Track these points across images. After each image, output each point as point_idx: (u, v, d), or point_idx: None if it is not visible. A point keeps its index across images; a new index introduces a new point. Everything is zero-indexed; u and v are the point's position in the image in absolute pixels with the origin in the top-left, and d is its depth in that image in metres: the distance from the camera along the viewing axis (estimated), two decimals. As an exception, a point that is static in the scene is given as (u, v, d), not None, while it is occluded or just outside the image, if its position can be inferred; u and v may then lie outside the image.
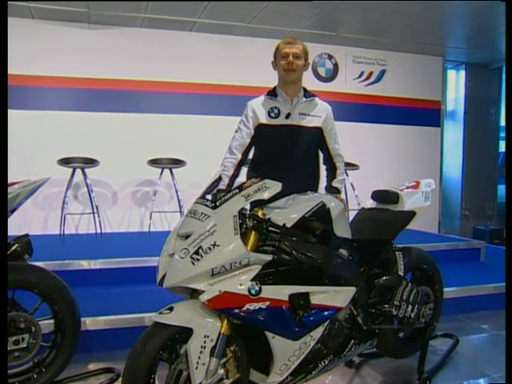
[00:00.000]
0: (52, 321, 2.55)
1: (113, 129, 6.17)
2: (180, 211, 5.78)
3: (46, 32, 5.92)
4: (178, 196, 5.83)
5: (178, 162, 5.82)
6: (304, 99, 2.84)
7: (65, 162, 5.38)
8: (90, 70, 6.10)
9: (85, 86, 6.08)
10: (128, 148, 6.15)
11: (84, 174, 5.48)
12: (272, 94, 2.87)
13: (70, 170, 5.42)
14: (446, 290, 3.13)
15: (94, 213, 5.63)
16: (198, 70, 6.47)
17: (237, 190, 2.06)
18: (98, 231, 5.57)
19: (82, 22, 6.05)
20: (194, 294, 1.99)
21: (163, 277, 1.97)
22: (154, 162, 5.77)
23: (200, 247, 1.91)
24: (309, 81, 5.79)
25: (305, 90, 2.88)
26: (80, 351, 2.67)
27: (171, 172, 5.82)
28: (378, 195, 2.89)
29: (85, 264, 4.06)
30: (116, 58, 6.20)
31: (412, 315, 2.63)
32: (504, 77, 8.29)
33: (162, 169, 5.79)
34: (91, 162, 5.48)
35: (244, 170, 2.91)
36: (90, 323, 3.08)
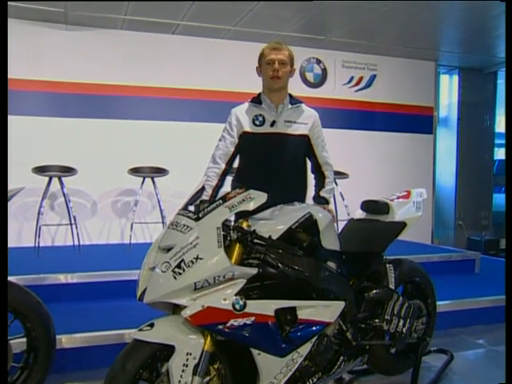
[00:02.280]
0: (24, 339, 2.51)
1: (92, 136, 6.16)
2: (162, 222, 5.77)
3: (19, 32, 5.89)
4: (160, 206, 5.82)
5: (160, 171, 5.82)
6: (290, 106, 2.87)
7: (40, 170, 5.35)
8: (67, 74, 6.08)
9: (61, 91, 6.07)
10: (108, 156, 6.14)
11: (61, 183, 5.46)
12: (256, 101, 2.89)
13: (46, 178, 5.39)
14: (439, 303, 3.16)
15: (71, 224, 5.59)
16: (181, 75, 6.49)
17: (220, 201, 2.07)
18: (76, 243, 5.53)
19: (59, 23, 6.04)
20: (176, 309, 2.00)
21: (143, 291, 1.97)
22: (135, 171, 5.75)
23: (182, 260, 1.92)
24: (296, 86, 5.88)
25: (291, 96, 2.91)
26: (54, 371, 2.64)
27: (153, 181, 5.82)
28: (367, 205, 2.92)
29: (61, 278, 4.03)
30: (95, 61, 6.19)
31: (404, 330, 2.65)
32: (499, 81, 8.43)
33: (144, 178, 5.77)
34: (69, 171, 5.46)
35: (229, 180, 2.93)
36: (65, 341, 3.06)
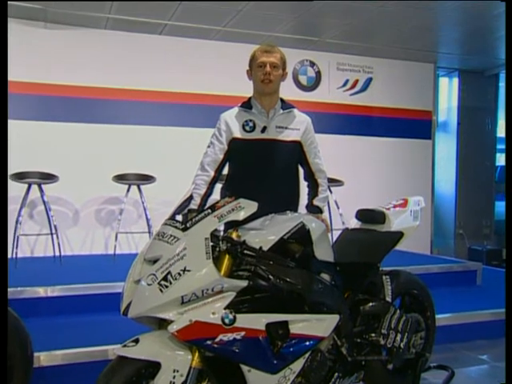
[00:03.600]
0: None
1: (74, 141, 6.14)
2: (149, 232, 5.77)
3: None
4: (146, 215, 5.82)
5: (147, 178, 5.82)
6: (281, 111, 2.89)
7: (19, 177, 5.33)
8: (46, 75, 6.07)
9: (40, 93, 6.05)
10: (91, 162, 6.13)
11: (41, 190, 5.44)
12: (246, 105, 2.91)
13: (25, 185, 5.37)
14: (438, 316, 3.18)
15: (52, 234, 5.58)
16: (168, 78, 6.50)
17: (209, 211, 2.09)
18: (57, 254, 5.51)
19: (38, 21, 6.02)
20: (163, 324, 2.01)
21: (128, 305, 1.98)
22: (119, 178, 5.75)
23: (169, 273, 1.93)
24: (289, 90, 5.89)
25: (282, 100, 2.93)
26: (32, 392, 2.63)
27: (139, 189, 5.81)
28: (362, 214, 2.94)
29: (41, 291, 4.01)
30: (76, 63, 6.18)
31: (401, 345, 2.67)
32: (501, 84, 8.51)
33: (129, 185, 5.77)
34: (49, 178, 5.44)
35: (218, 188, 2.94)
36: (44, 359, 3.03)
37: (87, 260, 5.86)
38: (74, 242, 6.20)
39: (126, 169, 5.82)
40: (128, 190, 5.78)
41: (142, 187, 5.83)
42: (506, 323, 2.14)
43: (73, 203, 6.22)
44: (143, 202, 5.83)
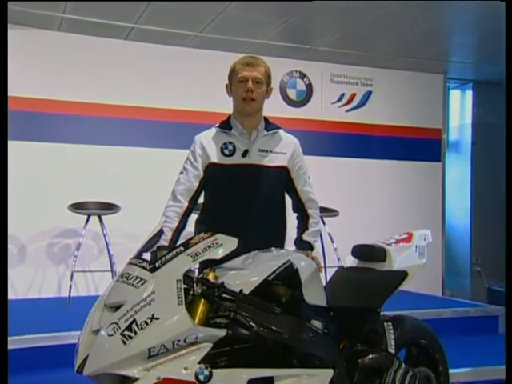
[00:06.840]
0: None
1: (20, 162, 6.08)
2: (111, 270, 5.73)
3: None
4: (108, 251, 5.80)
5: (109, 207, 5.81)
6: (265, 132, 2.93)
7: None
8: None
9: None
10: (42, 188, 6.11)
11: (-18, 222, 5.41)
12: (225, 125, 2.95)
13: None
14: (452, 372, 3.17)
15: (-7, 274, 5.53)
16: (135, 90, 6.53)
17: (182, 248, 2.12)
18: None
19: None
20: (125, 382, 2.01)
21: (84, 360, 1.97)
22: (77, 207, 5.73)
23: (134, 321, 1.94)
24: (276, 106, 5.97)
25: (266, 120, 2.98)
26: None
27: (100, 219, 5.80)
28: (359, 251, 2.97)
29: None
30: (24, 70, 6.14)
31: (408, 405, 2.68)
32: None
33: (88, 215, 5.76)
34: (-9, 207, 5.42)
35: (193, 220, 2.97)
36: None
37: (35, 305, 5.81)
38: (19, 283, 6.11)
39: (85, 196, 5.81)
40: (87, 221, 5.77)
41: (104, 218, 5.81)
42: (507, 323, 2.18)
43: (18, 237, 6.15)
44: (105, 236, 5.81)
